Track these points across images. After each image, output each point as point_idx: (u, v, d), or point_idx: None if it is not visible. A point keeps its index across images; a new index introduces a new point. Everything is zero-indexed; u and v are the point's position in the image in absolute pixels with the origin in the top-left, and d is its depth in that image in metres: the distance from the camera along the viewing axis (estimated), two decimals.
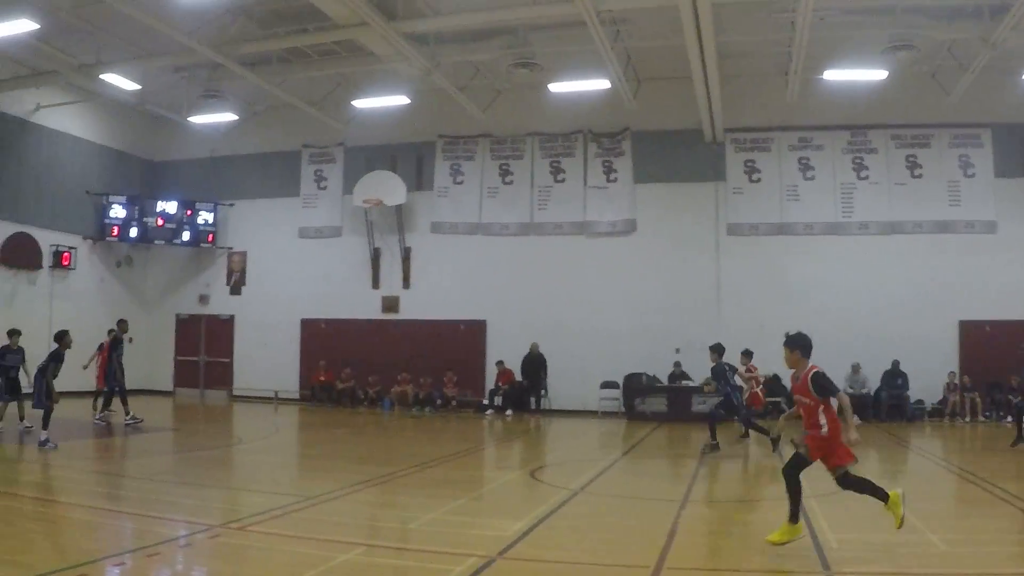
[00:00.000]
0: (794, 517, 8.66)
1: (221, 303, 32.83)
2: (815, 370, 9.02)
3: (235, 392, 31.63)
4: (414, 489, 13.29)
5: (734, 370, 18.56)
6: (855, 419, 9.03)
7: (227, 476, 15.04)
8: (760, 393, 19.25)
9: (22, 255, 28.50)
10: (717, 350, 18.47)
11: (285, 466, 16.98)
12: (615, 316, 27.42)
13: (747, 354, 19.36)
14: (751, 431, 18.46)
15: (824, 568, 8.20)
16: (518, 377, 27.66)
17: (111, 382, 21.57)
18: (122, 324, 22.33)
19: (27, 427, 18.30)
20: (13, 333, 19.05)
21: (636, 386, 26.43)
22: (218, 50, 23.60)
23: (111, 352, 21.64)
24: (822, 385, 8.87)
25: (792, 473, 8.79)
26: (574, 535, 9.86)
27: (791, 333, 9.41)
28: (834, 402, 8.84)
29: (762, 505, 12.24)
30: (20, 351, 18.81)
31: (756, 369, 19.18)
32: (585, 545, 9.28)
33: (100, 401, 22.20)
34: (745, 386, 18.94)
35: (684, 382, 25.97)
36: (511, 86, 27.77)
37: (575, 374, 27.37)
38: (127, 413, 21.15)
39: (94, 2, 21.47)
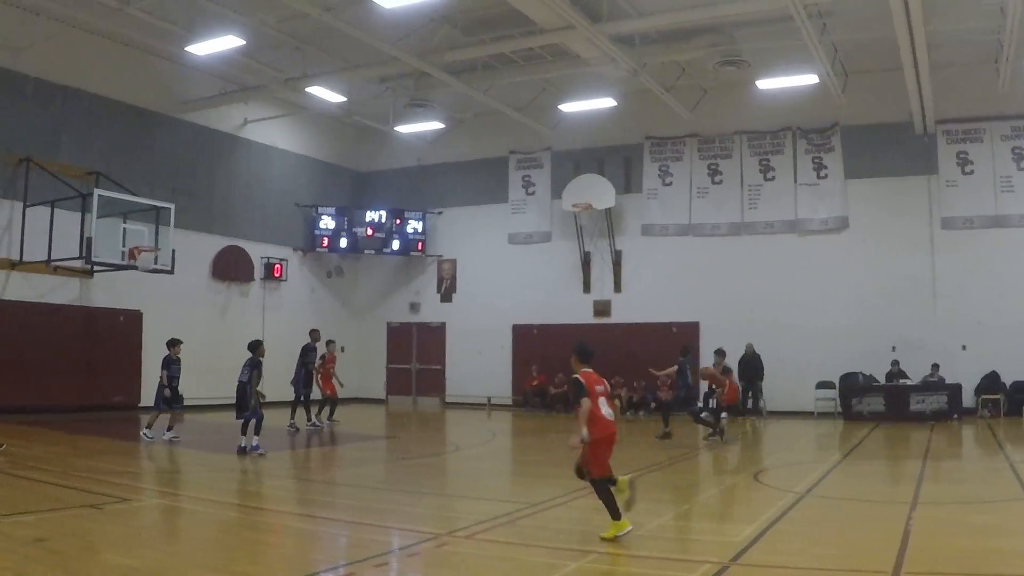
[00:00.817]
0: (615, 514, 10.03)
1: (432, 311, 36.57)
2: (572, 375, 10.48)
3: (447, 399, 35.06)
4: (639, 494, 14.21)
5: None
6: None
7: (447, 483, 15.98)
8: (727, 391, 22.74)
9: (234, 268, 32.50)
10: (682, 352, 22.21)
11: (504, 473, 18.30)
12: (829, 315, 29.12)
13: (719, 353, 23.24)
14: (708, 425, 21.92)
15: None
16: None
17: (299, 389, 24.17)
18: (314, 333, 25.01)
19: (175, 438, 19.99)
20: (175, 343, 20.82)
21: (852, 386, 28.20)
22: (423, 59, 26.13)
23: (300, 359, 24.46)
24: (572, 391, 10.41)
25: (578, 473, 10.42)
26: (805, 540, 10.17)
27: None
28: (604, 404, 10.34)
29: (996, 507, 12.46)
30: (179, 361, 20.68)
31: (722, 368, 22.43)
32: (818, 550, 9.57)
33: (327, 409, 25.13)
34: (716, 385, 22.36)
35: (902, 381, 27.59)
36: (718, 84, 30.00)
37: (790, 374, 29.10)
38: (308, 419, 24.19)
39: (299, 16, 24.01)
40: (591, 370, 10.60)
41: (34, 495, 12.57)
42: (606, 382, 10.71)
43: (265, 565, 9.04)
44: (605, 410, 10.32)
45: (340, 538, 10.60)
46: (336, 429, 24.41)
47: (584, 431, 9.97)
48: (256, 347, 18.58)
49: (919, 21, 20.91)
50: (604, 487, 10.22)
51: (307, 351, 24.51)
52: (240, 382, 18.27)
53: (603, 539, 9.90)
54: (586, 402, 10.09)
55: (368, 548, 9.71)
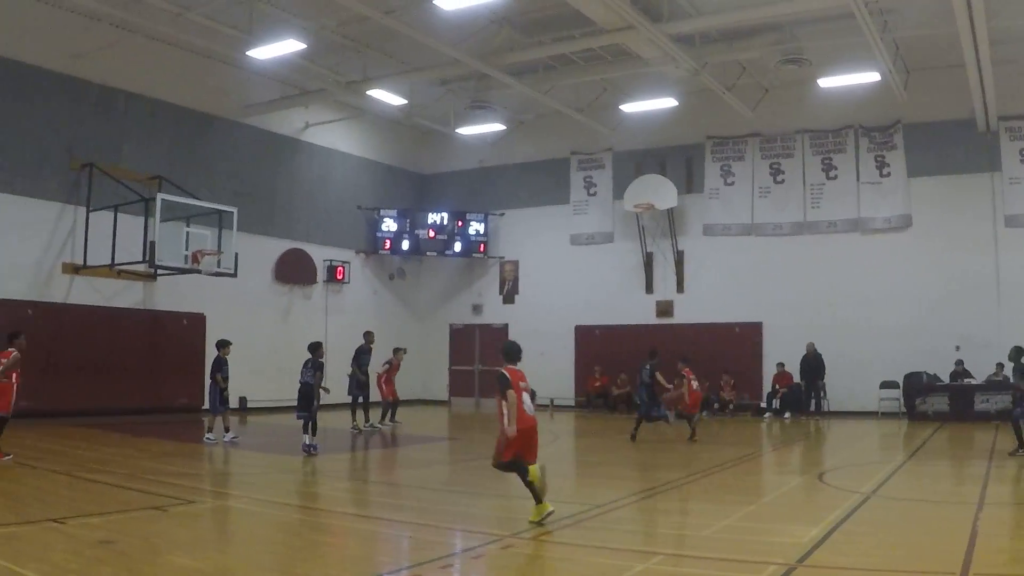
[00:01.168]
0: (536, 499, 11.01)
1: (494, 312, 36.85)
2: (498, 370, 11.56)
3: None
4: (701, 495, 13.95)
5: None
6: None
7: (510, 486, 15.57)
8: (689, 395, 22.79)
9: (297, 271, 32.90)
10: (649, 355, 22.24)
11: (568, 474, 17.71)
12: (892, 314, 28.94)
13: (684, 361, 23.29)
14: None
15: None
16: (796, 379, 29.67)
17: (355, 391, 24.40)
18: (368, 336, 25.32)
19: (234, 438, 20.49)
20: (225, 344, 21.22)
21: (916, 385, 27.97)
22: (484, 61, 26.14)
23: (354, 362, 24.59)
24: (499, 384, 11.30)
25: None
26: (872, 541, 10.04)
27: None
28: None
29: None
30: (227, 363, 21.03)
31: (691, 373, 22.62)
32: (884, 551, 9.50)
33: (389, 412, 25.53)
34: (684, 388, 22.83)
35: (966, 380, 27.34)
36: (779, 83, 29.90)
37: (853, 374, 29.03)
38: (366, 420, 24.52)
39: (359, 19, 24.20)
40: (516, 368, 11.64)
41: (100, 497, 12.70)
42: (527, 380, 11.61)
43: (329, 567, 9.04)
44: (527, 404, 11.31)
45: (404, 539, 10.63)
46: (398, 431, 24.57)
47: (509, 423, 11.04)
48: (316, 349, 19.08)
49: (981, 17, 20.64)
50: (519, 469, 11.18)
51: (360, 353, 24.71)
52: (304, 383, 18.70)
53: (531, 522, 10.77)
54: (512, 394, 11.08)
55: (432, 550, 9.73)
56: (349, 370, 24.43)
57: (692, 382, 19.96)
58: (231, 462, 18.22)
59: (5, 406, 16.38)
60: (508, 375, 11.36)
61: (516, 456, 11.20)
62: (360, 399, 24.38)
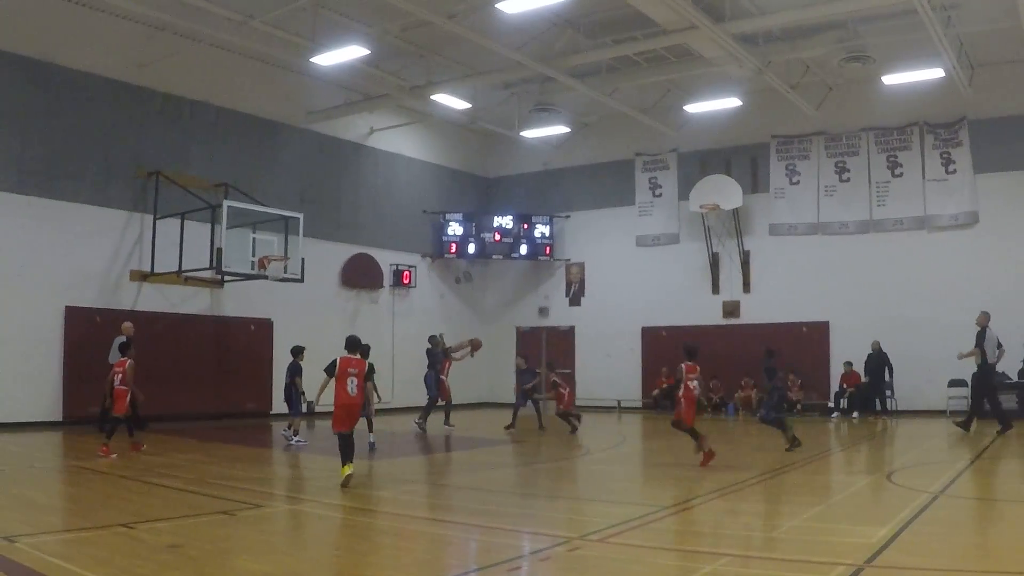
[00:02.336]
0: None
1: (561, 314, 37.03)
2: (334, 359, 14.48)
3: (577, 402, 34.67)
4: (769, 496, 13.91)
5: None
6: None
7: (578, 487, 15.94)
8: (565, 394, 24.64)
9: (363, 275, 33.24)
10: (768, 355, 21.78)
11: (635, 476, 18.08)
12: (960, 311, 27.83)
13: (549, 365, 24.40)
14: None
15: None
16: (863, 378, 29.44)
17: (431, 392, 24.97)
18: (433, 339, 25.51)
19: (298, 442, 21.00)
20: (299, 351, 21.78)
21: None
22: (547, 64, 26.23)
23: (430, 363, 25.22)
24: (328, 367, 14.43)
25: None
26: (942, 541, 9.98)
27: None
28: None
29: None
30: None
31: (695, 371, 21.98)
32: (955, 551, 9.46)
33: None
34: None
35: None
36: (843, 81, 29.98)
37: (921, 373, 28.79)
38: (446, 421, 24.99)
39: (422, 25, 24.41)
40: (355, 357, 14.59)
41: (169, 502, 12.90)
42: (363, 366, 14.66)
43: (396, 570, 9.12)
44: (350, 387, 14.18)
45: (471, 542, 10.62)
46: (455, 434, 24.38)
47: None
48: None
49: None
50: (343, 439, 14.26)
51: (431, 354, 25.14)
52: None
53: (343, 487, 13.69)
54: (324, 379, 14.40)
55: (500, 552, 9.75)
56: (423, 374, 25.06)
57: (691, 382, 19.73)
58: (299, 466, 18.42)
59: (121, 408, 18.30)
60: (337, 361, 14.31)
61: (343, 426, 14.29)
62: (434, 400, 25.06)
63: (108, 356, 22.91)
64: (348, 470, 13.93)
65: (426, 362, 25.18)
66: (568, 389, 24.86)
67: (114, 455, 17.41)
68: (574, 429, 24.10)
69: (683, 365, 17.60)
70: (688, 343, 18.36)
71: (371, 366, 18.31)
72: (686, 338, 31.76)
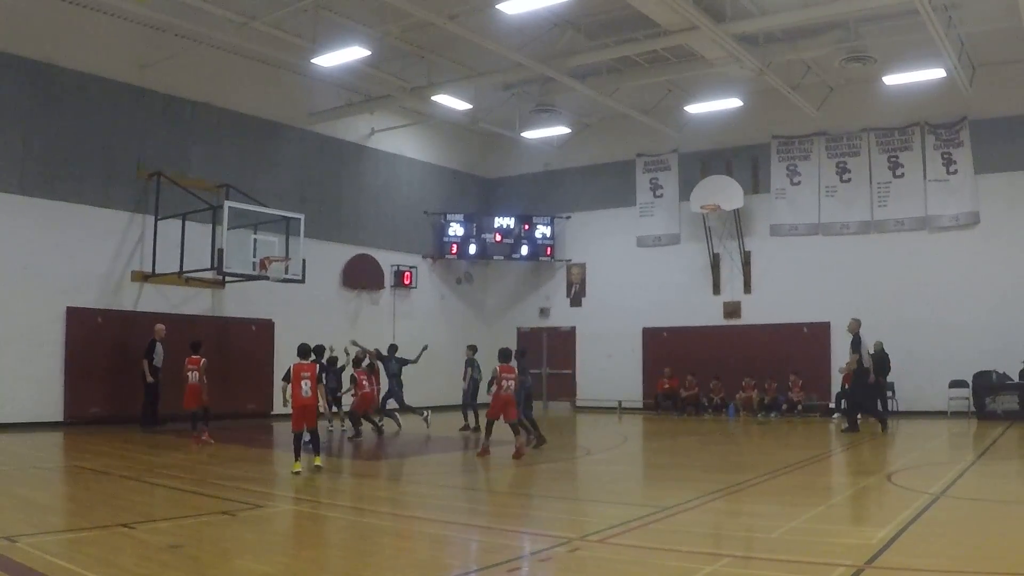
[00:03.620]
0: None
1: (561, 315, 37.02)
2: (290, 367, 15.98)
3: (578, 403, 35.34)
4: (769, 497, 13.80)
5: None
6: None
7: (578, 488, 15.78)
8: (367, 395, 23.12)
9: (364, 276, 33.27)
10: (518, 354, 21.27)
11: (635, 476, 17.96)
12: (961, 312, 28.69)
13: (356, 362, 23.42)
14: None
15: None
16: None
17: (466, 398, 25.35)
18: (470, 348, 25.73)
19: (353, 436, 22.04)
20: (319, 351, 22.12)
21: (986, 384, 27.68)
22: (547, 64, 26.20)
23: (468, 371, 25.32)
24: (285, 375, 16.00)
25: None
26: (942, 542, 9.97)
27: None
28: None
29: None
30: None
31: (363, 375, 22.64)
32: (955, 552, 9.43)
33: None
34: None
35: None
36: (844, 81, 30.00)
37: (922, 374, 28.82)
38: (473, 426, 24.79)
39: (423, 26, 24.47)
40: (307, 363, 15.88)
41: (170, 502, 12.98)
42: (315, 370, 15.91)
43: (398, 570, 9.12)
44: (304, 389, 15.55)
45: (471, 542, 10.64)
46: (464, 434, 24.38)
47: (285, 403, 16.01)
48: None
49: None
50: (296, 438, 15.78)
51: (469, 364, 25.38)
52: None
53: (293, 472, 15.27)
54: (285, 385, 15.87)
55: (500, 552, 9.75)
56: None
57: (504, 382, 19.13)
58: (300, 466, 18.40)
59: (194, 403, 21.14)
60: (291, 369, 15.76)
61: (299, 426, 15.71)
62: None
63: (149, 356, 24.25)
64: (297, 467, 15.56)
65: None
66: (372, 389, 23.66)
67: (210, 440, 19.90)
68: (379, 431, 23.45)
69: (497, 367, 18.20)
70: (504, 348, 18.83)
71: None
72: (688, 339, 32.40)
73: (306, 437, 15.91)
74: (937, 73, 26.34)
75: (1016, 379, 27.53)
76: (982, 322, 28.39)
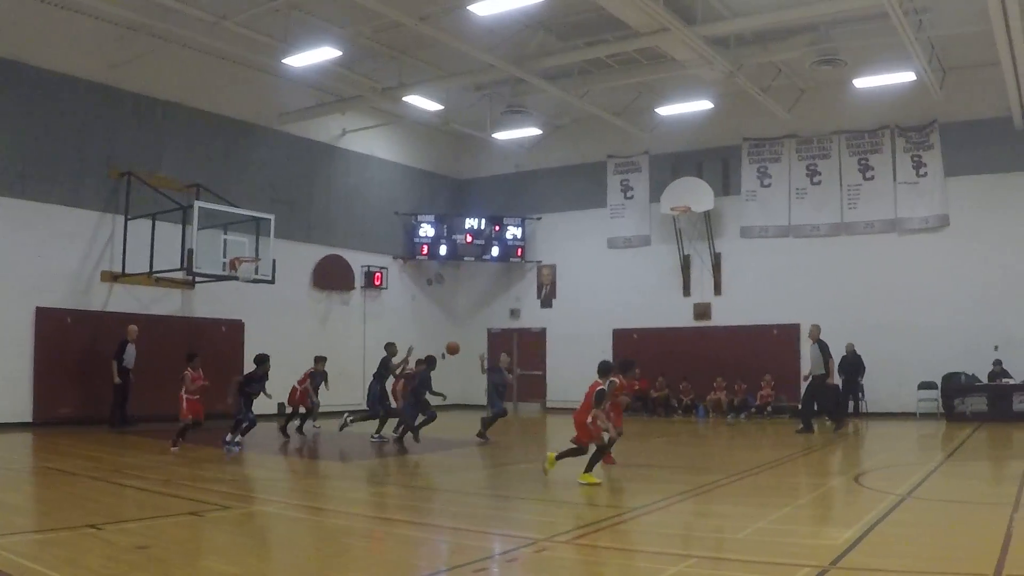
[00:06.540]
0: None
1: (532, 316, 37.07)
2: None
3: (548, 404, 35.31)
4: (737, 498, 13.80)
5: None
6: None
7: (547, 489, 15.27)
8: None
9: (335, 277, 33.18)
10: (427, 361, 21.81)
11: (604, 477, 17.86)
12: (930, 314, 28.85)
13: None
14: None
15: None
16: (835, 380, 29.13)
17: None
18: (390, 347, 23.94)
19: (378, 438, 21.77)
20: (320, 360, 23.08)
21: (955, 386, 27.83)
22: (519, 66, 26.26)
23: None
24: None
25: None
26: (906, 543, 10.03)
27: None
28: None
29: None
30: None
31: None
32: (919, 552, 9.48)
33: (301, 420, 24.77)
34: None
35: (1005, 380, 27.15)
36: (814, 84, 30.07)
37: (891, 375, 28.95)
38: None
39: (394, 26, 24.43)
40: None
41: (138, 503, 12.87)
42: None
43: (364, 571, 9.13)
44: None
45: (439, 544, 10.63)
46: (432, 436, 23.79)
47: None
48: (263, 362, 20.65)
49: (1016, 14, 20.44)
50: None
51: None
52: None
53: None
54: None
55: (467, 554, 9.66)
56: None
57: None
58: (267, 467, 18.36)
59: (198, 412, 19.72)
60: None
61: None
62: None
63: (119, 357, 24.18)
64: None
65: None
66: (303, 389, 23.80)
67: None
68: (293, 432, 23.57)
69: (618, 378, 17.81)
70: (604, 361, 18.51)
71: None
72: (658, 340, 32.45)
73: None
74: (907, 76, 26.38)
75: (985, 381, 27.73)
76: (951, 324, 28.58)
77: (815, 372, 24.87)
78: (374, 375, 23.24)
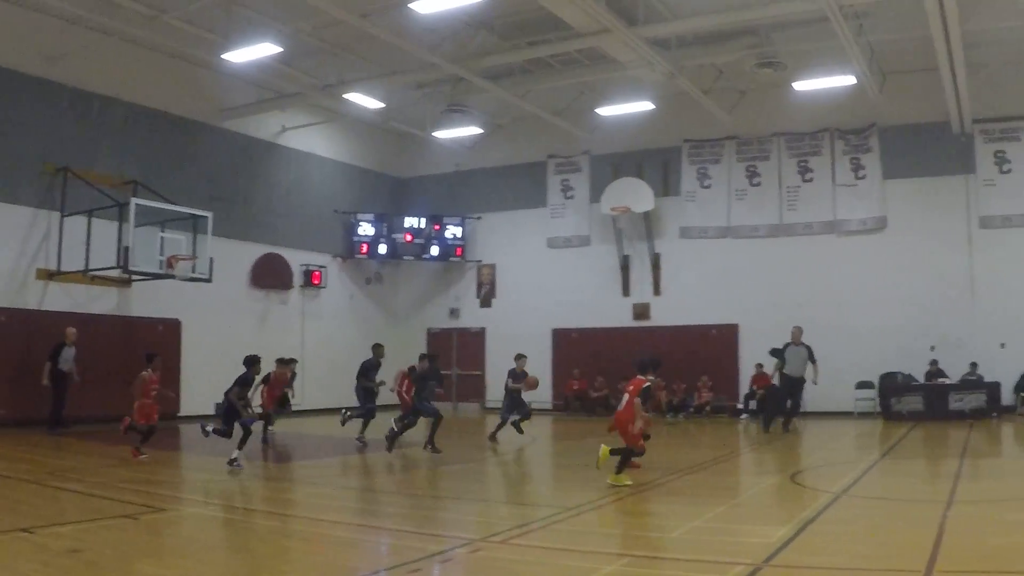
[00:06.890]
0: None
1: (472, 316, 36.96)
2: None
3: (488, 404, 35.10)
4: (674, 497, 13.94)
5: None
6: None
7: (483, 489, 15.90)
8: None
9: (273, 275, 32.82)
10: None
11: (542, 477, 18.22)
12: (868, 315, 29.21)
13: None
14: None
15: None
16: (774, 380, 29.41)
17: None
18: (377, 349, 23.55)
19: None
20: (288, 362, 21.93)
21: (892, 385, 28.27)
22: (460, 64, 26.26)
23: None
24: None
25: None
26: (840, 540, 10.17)
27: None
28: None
29: None
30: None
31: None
32: (852, 550, 9.59)
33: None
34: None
35: (941, 380, 27.56)
36: (755, 87, 30.20)
37: (829, 375, 27.97)
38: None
39: (335, 23, 24.18)
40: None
41: (71, 506, 12.71)
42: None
43: (298, 572, 9.12)
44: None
45: (375, 545, 10.68)
46: (368, 436, 22.75)
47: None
48: (252, 364, 18.20)
49: (955, 20, 20.84)
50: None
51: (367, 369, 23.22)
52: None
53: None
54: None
55: (402, 554, 9.69)
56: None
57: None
58: (205, 469, 17.94)
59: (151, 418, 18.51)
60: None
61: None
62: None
63: (53, 359, 23.62)
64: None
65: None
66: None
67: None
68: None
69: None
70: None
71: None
72: (598, 340, 32.46)
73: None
74: (847, 80, 26.51)
75: (921, 380, 28.24)
76: (888, 324, 28.99)
77: (796, 374, 24.97)
78: (357, 376, 22.77)
